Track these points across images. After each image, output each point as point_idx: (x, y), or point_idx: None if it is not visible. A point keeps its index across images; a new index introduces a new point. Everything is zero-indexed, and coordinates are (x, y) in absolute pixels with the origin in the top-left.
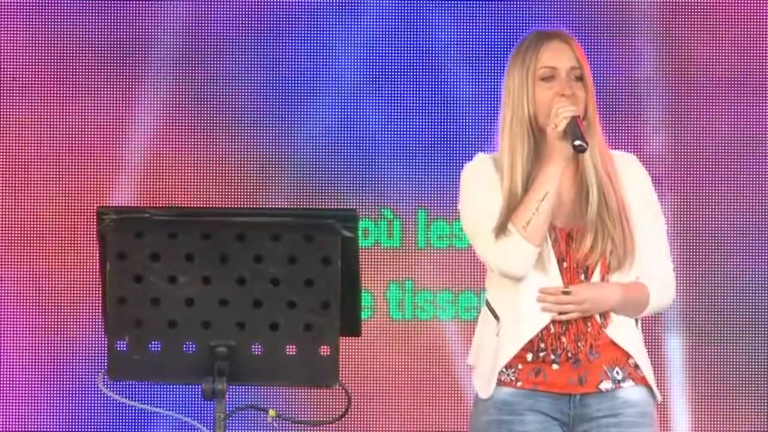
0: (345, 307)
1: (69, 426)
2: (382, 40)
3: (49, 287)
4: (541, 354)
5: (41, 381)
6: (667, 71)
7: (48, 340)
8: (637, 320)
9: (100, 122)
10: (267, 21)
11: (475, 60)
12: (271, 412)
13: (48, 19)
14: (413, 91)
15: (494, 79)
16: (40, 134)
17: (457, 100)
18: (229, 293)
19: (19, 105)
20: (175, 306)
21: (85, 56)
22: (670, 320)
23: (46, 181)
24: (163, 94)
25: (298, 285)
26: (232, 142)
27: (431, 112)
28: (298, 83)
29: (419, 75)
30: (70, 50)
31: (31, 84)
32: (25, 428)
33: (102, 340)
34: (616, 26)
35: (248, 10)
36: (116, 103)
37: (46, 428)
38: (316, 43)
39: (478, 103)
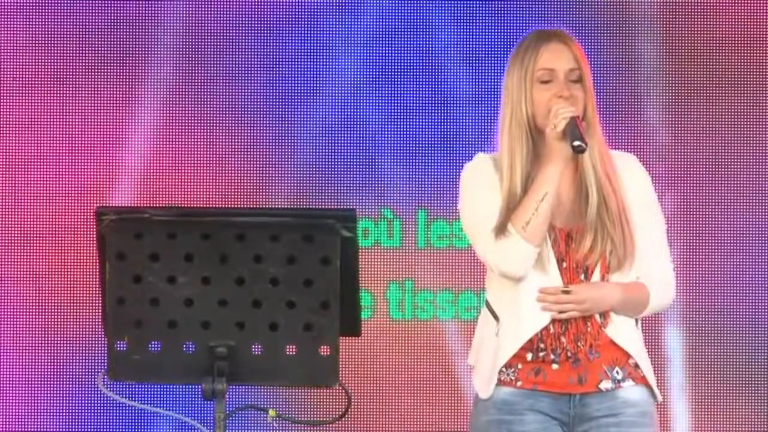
0: (345, 307)
1: (69, 426)
2: (382, 40)
3: (49, 287)
4: (541, 354)
5: (41, 381)
6: (667, 71)
7: (48, 340)
8: (637, 320)
9: (100, 122)
10: (267, 21)
11: (475, 60)
12: (271, 412)
13: (48, 19)
14: (413, 91)
15: (494, 79)
16: (40, 134)
17: (457, 100)
18: (228, 293)
19: (19, 105)
20: (174, 306)
21: (85, 56)
22: (670, 320)
23: (46, 181)
24: (163, 94)
25: (298, 285)
26: (232, 142)
27: (431, 112)
28: (298, 83)
29: (419, 75)
30: (70, 50)
31: (31, 84)
32: (25, 428)
33: (102, 340)
34: (616, 26)
35: (248, 10)
36: (116, 103)
37: (46, 428)
38: (316, 43)
39: (478, 103)
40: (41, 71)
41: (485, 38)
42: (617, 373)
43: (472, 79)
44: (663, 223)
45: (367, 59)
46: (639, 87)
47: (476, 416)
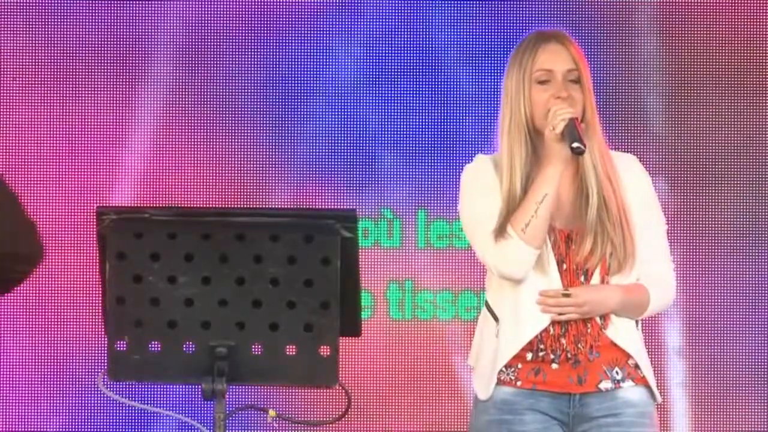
0: (345, 307)
1: (69, 426)
2: (382, 40)
3: (49, 287)
4: (541, 354)
5: (41, 381)
6: (667, 71)
7: (48, 340)
8: (637, 321)
9: (100, 122)
10: (267, 21)
11: (475, 60)
12: (271, 412)
13: (48, 19)
14: (413, 91)
15: (494, 79)
16: (40, 134)
17: (457, 101)
18: (228, 293)
19: (19, 105)
20: (174, 306)
21: (85, 56)
22: (670, 320)
23: (46, 181)
24: (163, 94)
25: (298, 285)
26: (232, 142)
27: (431, 112)
28: (298, 83)
29: (419, 75)
30: (70, 50)
31: (31, 84)
32: (25, 428)
33: (102, 340)
34: (616, 26)
35: (248, 10)
36: (116, 103)
37: (47, 428)
38: (316, 43)
39: (478, 104)
40: (41, 71)
41: (485, 38)
42: (617, 373)
43: (472, 79)
44: (664, 223)
45: (367, 59)
46: (639, 87)
47: (476, 416)
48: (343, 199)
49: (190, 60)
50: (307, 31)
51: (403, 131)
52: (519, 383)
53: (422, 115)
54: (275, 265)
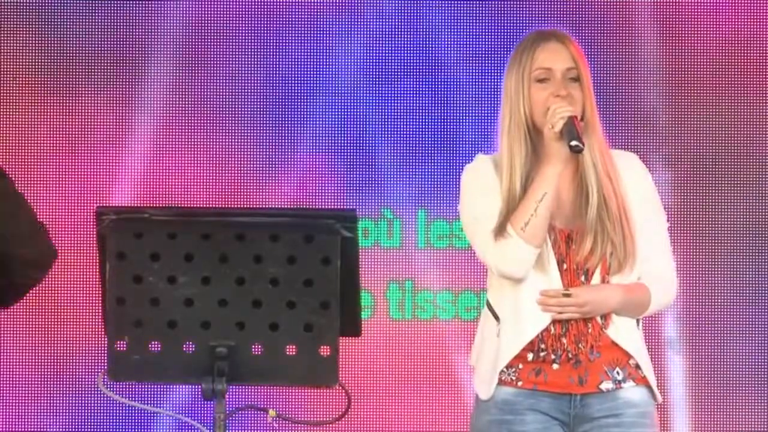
0: (345, 307)
1: (69, 426)
2: (383, 41)
3: (49, 287)
4: (542, 354)
5: (41, 381)
6: (667, 71)
7: (48, 340)
8: (638, 320)
9: (100, 122)
10: (267, 21)
11: (475, 60)
12: (271, 412)
13: (48, 19)
14: (413, 91)
15: (494, 79)
16: (40, 134)
17: (457, 101)
18: (228, 293)
19: (19, 105)
20: (174, 306)
21: (86, 56)
22: (670, 320)
23: (46, 181)
24: (163, 95)
25: (298, 285)
26: (232, 142)
27: (431, 113)
28: (298, 83)
29: (419, 75)
30: (70, 50)
31: (32, 84)
32: (25, 428)
33: (102, 340)
34: (616, 26)
35: (248, 10)
36: (116, 104)
37: (46, 428)
38: (317, 43)
39: (478, 104)
40: (41, 71)
41: (485, 38)
42: (618, 373)
43: (473, 79)
44: (665, 221)
45: (367, 59)
46: (639, 87)
47: (477, 416)
48: (343, 199)
49: (190, 60)
50: (307, 31)
51: (403, 131)
52: (520, 383)
53: (422, 115)
54: (275, 265)
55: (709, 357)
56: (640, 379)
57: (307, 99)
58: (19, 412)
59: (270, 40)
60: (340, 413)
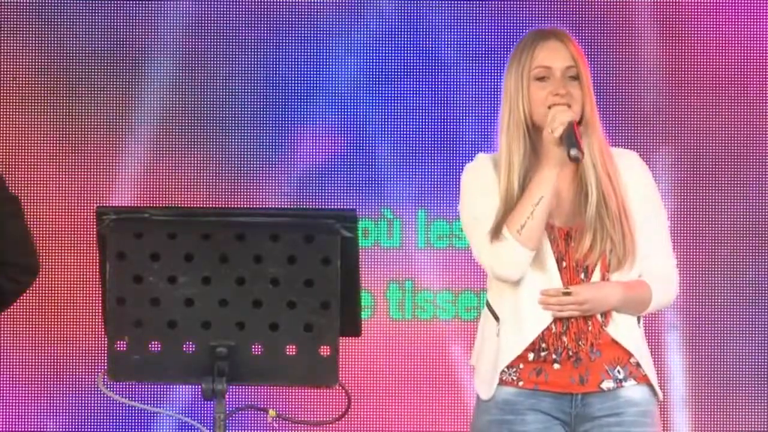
0: (345, 307)
1: (69, 426)
2: (383, 41)
3: (49, 287)
4: (543, 353)
5: (41, 381)
6: (667, 71)
7: (48, 340)
8: (638, 318)
9: (100, 122)
10: (267, 21)
11: (475, 60)
12: (271, 412)
13: (48, 19)
14: (414, 91)
15: (494, 79)
16: (40, 134)
17: (457, 101)
18: (228, 293)
19: (19, 105)
20: (174, 306)
21: (86, 56)
22: (670, 319)
23: (46, 181)
24: (163, 94)
25: (298, 285)
26: (232, 142)
27: (431, 112)
28: (298, 83)
29: (419, 75)
30: (70, 50)
31: (31, 84)
32: (25, 428)
33: (102, 340)
34: (616, 26)
35: (248, 9)
36: (116, 104)
37: (46, 428)
38: (317, 42)
39: (478, 104)
40: (41, 71)
41: (485, 38)
42: (619, 372)
43: (473, 79)
44: (665, 219)
45: (367, 59)
46: (639, 87)
47: (478, 416)
48: (343, 199)
49: (190, 60)
50: (308, 31)
51: (403, 131)
52: (521, 383)
53: (422, 115)
54: (275, 265)
55: (709, 357)
56: (641, 378)
57: (307, 99)
58: (19, 412)
59: (270, 40)
60: (340, 413)
